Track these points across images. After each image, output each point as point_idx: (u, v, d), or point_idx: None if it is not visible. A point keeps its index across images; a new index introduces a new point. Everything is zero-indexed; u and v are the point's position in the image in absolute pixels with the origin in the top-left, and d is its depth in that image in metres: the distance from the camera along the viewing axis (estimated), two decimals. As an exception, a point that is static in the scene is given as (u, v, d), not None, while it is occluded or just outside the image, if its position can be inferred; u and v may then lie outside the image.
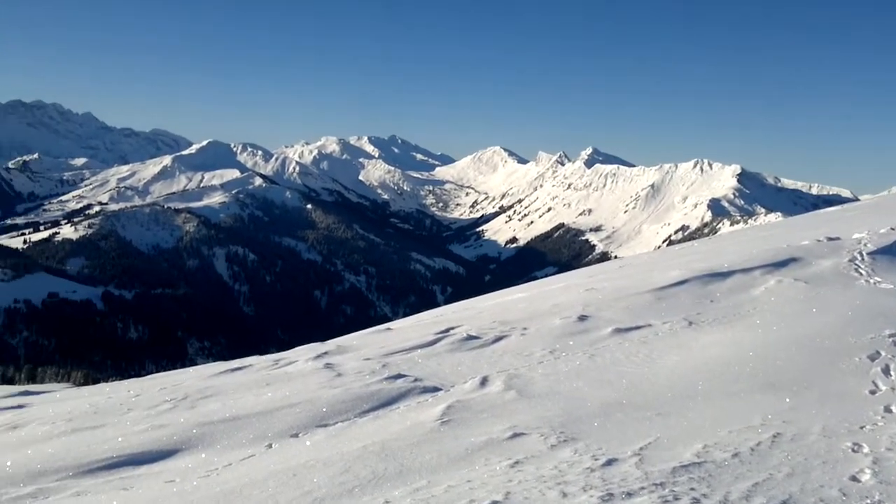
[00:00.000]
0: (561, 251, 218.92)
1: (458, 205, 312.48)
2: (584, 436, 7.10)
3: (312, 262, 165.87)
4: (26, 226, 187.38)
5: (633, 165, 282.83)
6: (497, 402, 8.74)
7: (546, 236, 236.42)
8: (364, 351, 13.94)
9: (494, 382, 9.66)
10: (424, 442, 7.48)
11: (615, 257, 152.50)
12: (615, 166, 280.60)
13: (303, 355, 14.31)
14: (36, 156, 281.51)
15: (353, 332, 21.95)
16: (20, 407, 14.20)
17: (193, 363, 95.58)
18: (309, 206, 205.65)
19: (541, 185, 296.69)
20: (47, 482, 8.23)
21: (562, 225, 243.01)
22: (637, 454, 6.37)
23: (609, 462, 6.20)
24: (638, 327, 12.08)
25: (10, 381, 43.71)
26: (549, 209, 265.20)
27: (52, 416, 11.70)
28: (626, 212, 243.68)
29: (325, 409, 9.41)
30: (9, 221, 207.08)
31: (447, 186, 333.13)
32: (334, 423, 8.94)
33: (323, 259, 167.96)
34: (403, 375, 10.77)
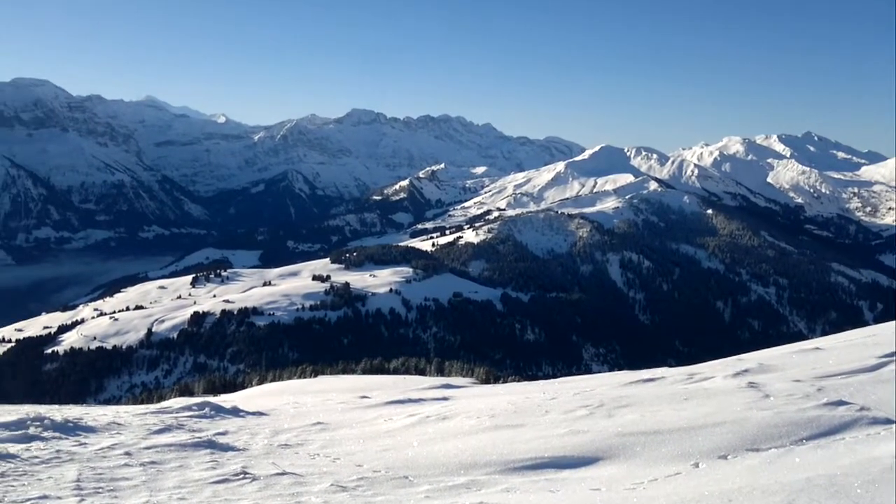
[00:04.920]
0: None
1: (890, 209, 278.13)
2: None
3: (713, 270, 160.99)
4: (434, 230, 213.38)
5: None
6: (977, 445, 7.66)
7: None
8: (791, 371, 13.19)
9: (970, 420, 8.49)
10: (882, 481, 6.84)
11: None
12: None
13: (720, 371, 14.01)
14: (442, 165, 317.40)
15: (760, 348, 20.96)
16: (445, 399, 16.06)
17: (588, 369, 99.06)
18: (709, 211, 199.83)
19: None
20: (478, 475, 9.11)
21: None
22: None
23: None
24: None
25: (422, 372, 49.33)
26: None
27: (476, 410, 12.99)
28: None
29: (755, 432, 9.08)
30: (419, 226, 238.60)
31: (876, 188, 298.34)
32: (767, 448, 8.58)
33: (725, 268, 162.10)
34: (845, 402, 9.95)
